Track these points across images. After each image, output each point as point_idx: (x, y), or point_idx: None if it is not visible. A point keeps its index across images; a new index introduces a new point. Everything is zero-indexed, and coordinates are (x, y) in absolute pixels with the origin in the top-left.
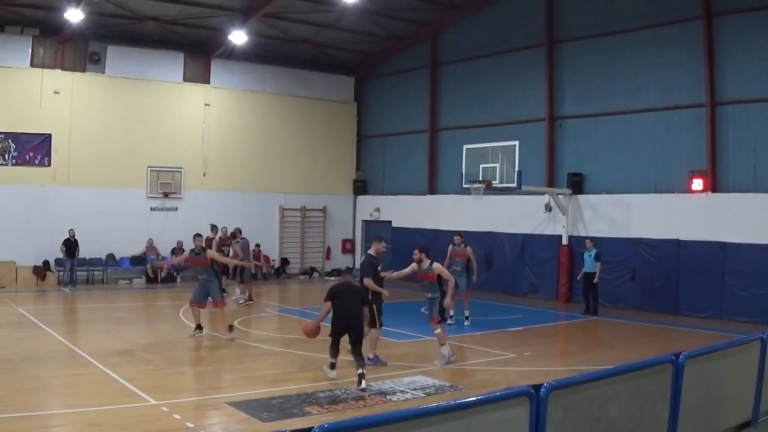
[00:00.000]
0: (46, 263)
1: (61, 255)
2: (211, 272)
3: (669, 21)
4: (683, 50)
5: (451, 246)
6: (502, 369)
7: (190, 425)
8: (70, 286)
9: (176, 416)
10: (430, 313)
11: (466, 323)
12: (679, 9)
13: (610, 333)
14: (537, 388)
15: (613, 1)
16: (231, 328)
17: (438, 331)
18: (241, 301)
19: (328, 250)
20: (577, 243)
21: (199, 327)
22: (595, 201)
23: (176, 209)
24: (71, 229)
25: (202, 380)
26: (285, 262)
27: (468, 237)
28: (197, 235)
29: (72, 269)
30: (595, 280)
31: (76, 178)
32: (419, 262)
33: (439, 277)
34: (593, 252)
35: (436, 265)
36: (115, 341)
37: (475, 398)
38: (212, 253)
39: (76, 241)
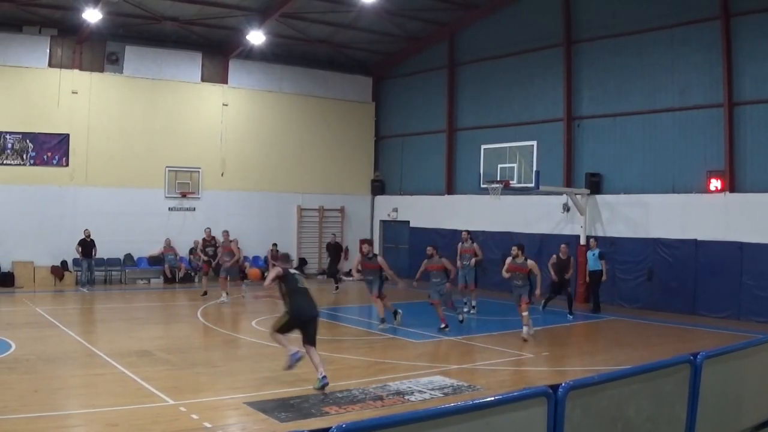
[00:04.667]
0: (64, 263)
1: (77, 255)
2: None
3: (687, 21)
4: (701, 50)
5: (460, 243)
6: (519, 369)
7: (208, 425)
8: (88, 286)
9: (194, 416)
10: (519, 298)
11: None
12: (697, 9)
13: (628, 333)
14: (555, 388)
15: (631, 2)
16: (383, 320)
17: (525, 313)
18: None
19: (346, 250)
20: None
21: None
22: (612, 201)
23: (194, 209)
24: (86, 229)
25: (219, 380)
26: (303, 262)
27: (486, 237)
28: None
29: (89, 269)
30: (603, 278)
31: (94, 178)
32: (515, 256)
33: (530, 271)
34: (597, 251)
35: (531, 261)
36: (133, 341)
37: (492, 398)
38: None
39: (92, 241)
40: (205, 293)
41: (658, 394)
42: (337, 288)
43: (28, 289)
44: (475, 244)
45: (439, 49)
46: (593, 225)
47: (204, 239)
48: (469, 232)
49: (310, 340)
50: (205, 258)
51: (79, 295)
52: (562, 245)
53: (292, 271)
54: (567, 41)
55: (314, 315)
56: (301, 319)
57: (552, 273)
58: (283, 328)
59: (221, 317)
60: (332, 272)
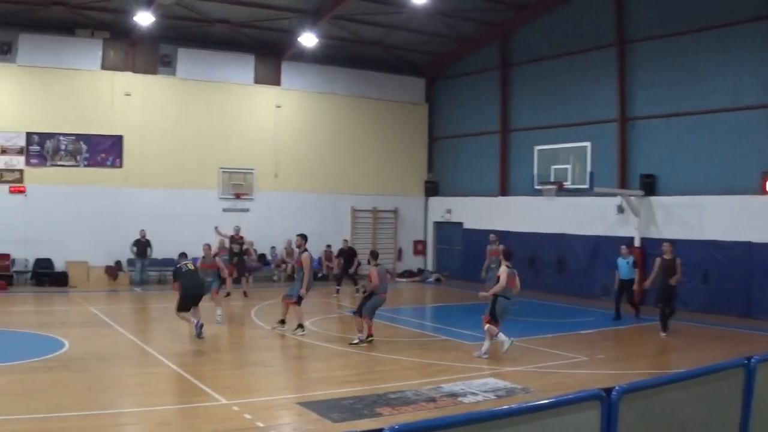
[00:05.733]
0: (118, 263)
1: (132, 255)
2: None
3: (738, 21)
4: (753, 50)
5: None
6: (573, 372)
7: (261, 425)
8: (142, 285)
9: (247, 416)
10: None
11: None
12: (749, 8)
13: (682, 336)
14: (608, 391)
15: (683, 1)
16: (300, 326)
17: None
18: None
19: (400, 251)
20: (649, 245)
21: (282, 321)
22: (667, 202)
23: (248, 210)
24: (142, 230)
25: (272, 380)
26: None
27: (540, 239)
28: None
29: (143, 269)
30: (635, 287)
31: (148, 180)
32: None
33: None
34: (630, 259)
35: (501, 268)
36: (187, 341)
37: (546, 401)
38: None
39: (147, 241)
40: (228, 294)
41: (712, 398)
42: (337, 291)
43: (82, 289)
44: (501, 246)
45: (491, 50)
46: (648, 227)
47: (232, 236)
48: (496, 234)
49: (196, 305)
50: (233, 257)
51: (133, 294)
52: (665, 244)
53: (180, 265)
54: (620, 41)
55: (200, 292)
56: (190, 294)
57: (657, 277)
58: (181, 307)
59: (275, 317)
60: (340, 276)
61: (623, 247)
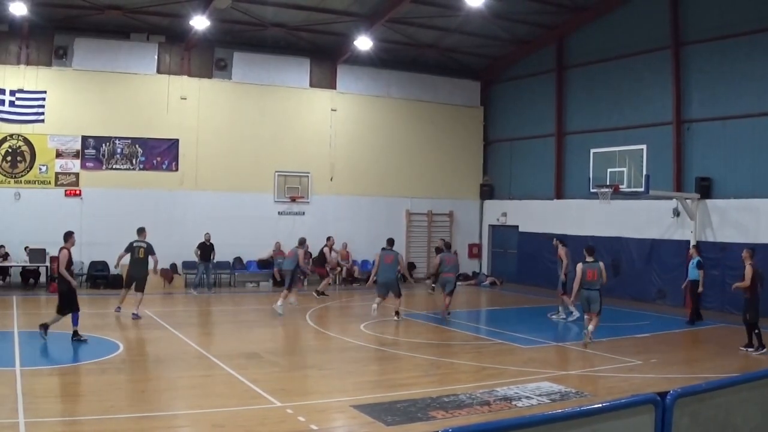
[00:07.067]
0: (173, 266)
1: (194, 258)
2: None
3: None
4: None
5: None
6: (627, 376)
7: (314, 427)
8: (204, 289)
9: (301, 418)
10: None
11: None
12: None
13: (738, 340)
14: (663, 395)
15: (740, 3)
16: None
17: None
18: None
19: (455, 254)
20: (705, 248)
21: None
22: (723, 206)
23: (303, 213)
24: (207, 233)
25: (327, 383)
26: (411, 266)
27: (595, 242)
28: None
29: (206, 272)
30: (700, 290)
31: (204, 183)
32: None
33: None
34: (696, 260)
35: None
36: (242, 343)
37: (600, 405)
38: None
39: (211, 244)
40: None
41: (766, 403)
42: (432, 289)
43: (137, 291)
44: (560, 250)
45: (547, 53)
46: (703, 230)
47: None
48: (560, 239)
49: (138, 288)
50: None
51: (189, 297)
52: (744, 251)
53: (136, 244)
54: (675, 43)
55: (137, 276)
56: (132, 276)
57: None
58: (125, 283)
59: (330, 320)
60: (436, 273)
61: (692, 247)
